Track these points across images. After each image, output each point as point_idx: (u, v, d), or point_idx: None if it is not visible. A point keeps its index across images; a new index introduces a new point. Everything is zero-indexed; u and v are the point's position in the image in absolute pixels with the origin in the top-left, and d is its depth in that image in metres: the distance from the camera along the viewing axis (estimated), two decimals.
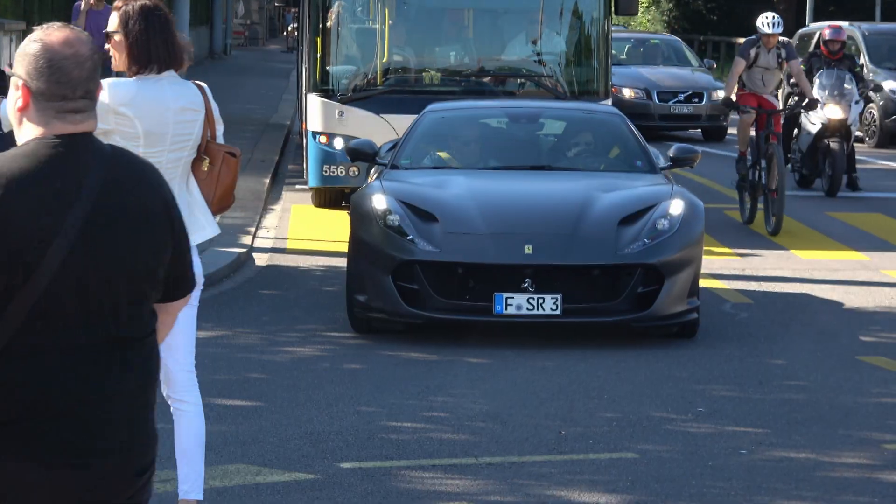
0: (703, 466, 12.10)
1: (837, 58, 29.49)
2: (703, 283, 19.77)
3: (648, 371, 15.18)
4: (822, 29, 31.65)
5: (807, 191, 29.26)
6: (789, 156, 29.68)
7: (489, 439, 12.44)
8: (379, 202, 14.38)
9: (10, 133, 16.72)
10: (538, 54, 20.63)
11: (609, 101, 21.09)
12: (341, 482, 11.21)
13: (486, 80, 20.81)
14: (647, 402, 14.08)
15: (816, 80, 28.62)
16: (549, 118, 17.49)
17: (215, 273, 19.34)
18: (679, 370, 15.35)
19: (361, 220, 14.48)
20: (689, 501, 11.18)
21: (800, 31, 42.04)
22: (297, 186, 25.62)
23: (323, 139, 21.09)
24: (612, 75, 22.40)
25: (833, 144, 28.56)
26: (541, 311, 13.92)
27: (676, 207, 14.58)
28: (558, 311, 14.00)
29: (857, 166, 30.97)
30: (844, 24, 39.41)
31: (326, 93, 21.03)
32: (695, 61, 39.97)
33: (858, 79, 30.23)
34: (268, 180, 27.62)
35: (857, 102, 29.10)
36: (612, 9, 20.43)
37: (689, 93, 36.33)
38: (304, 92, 23.21)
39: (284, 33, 79.04)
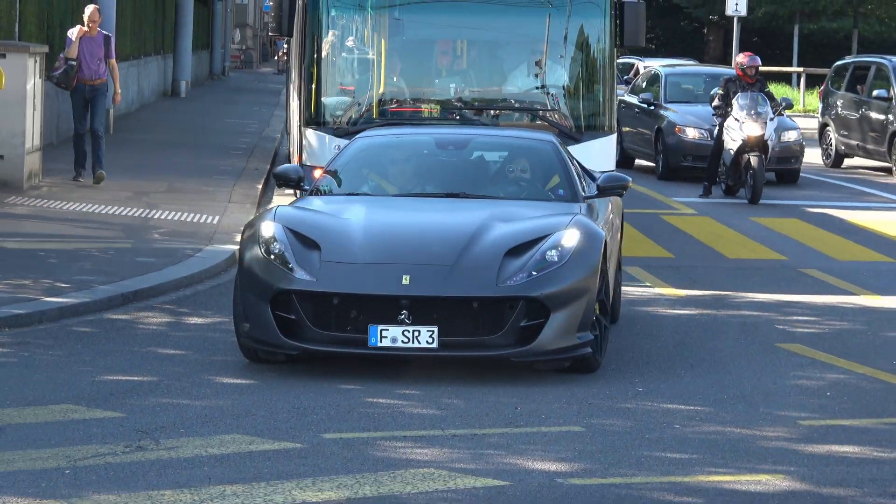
0: (640, 439, 12.14)
1: (752, 82, 29.75)
2: (642, 280, 19.87)
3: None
4: (739, 56, 31.63)
5: (732, 199, 29.39)
6: (718, 170, 29.95)
7: (454, 414, 12.47)
8: (266, 229, 13.54)
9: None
10: (538, 87, 19.63)
11: (614, 137, 20.14)
12: (324, 451, 11.21)
13: (485, 112, 19.59)
14: (592, 383, 14.10)
15: (735, 102, 29.03)
16: (479, 145, 16.33)
17: (214, 267, 19.30)
18: (619, 357, 15.41)
19: (247, 246, 13.65)
20: (629, 468, 11.21)
21: (836, 64, 41.54)
22: (287, 191, 25.54)
23: (318, 173, 19.54)
24: (616, 109, 20.91)
25: (753, 158, 28.88)
26: (416, 345, 12.91)
27: (570, 239, 13.43)
28: (434, 345, 12.94)
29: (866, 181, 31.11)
30: (875, 57, 39.74)
31: (322, 126, 19.71)
32: (781, 103, 37.80)
33: (771, 99, 30.51)
34: (260, 185, 27.55)
35: (770, 120, 29.37)
36: (618, 39, 19.28)
37: (773, 130, 33.98)
38: (295, 125, 22.48)
39: (276, 57, 78.92)
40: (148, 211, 23.06)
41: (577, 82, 19.13)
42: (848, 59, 42.62)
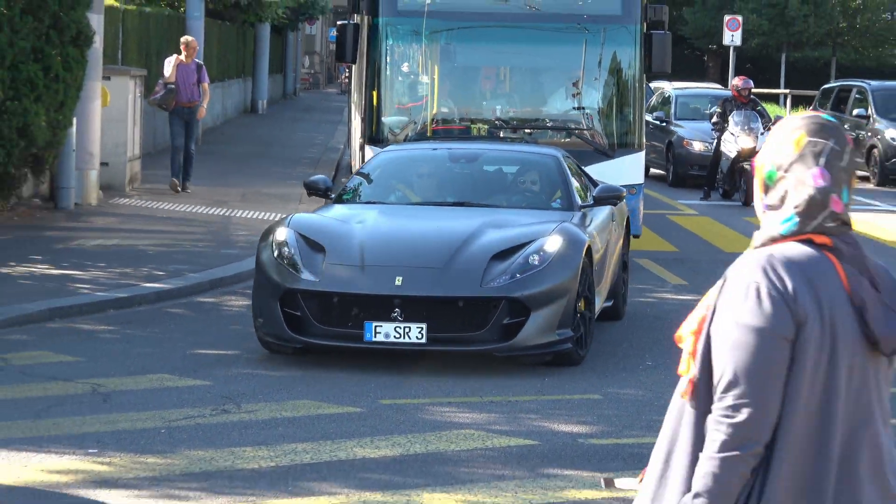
0: (650, 405, 12.15)
1: (745, 101, 29.78)
2: (652, 270, 19.87)
3: (610, 336, 15.30)
4: (735, 78, 31.57)
5: (728, 202, 29.38)
6: (717, 177, 30.02)
7: (491, 384, 12.50)
8: (280, 234, 13.14)
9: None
10: (574, 108, 19.01)
11: (642, 154, 19.56)
12: (381, 414, 11.29)
13: (527, 132, 18.81)
14: (609, 358, 14.15)
15: (731, 119, 29.12)
16: (488, 160, 15.80)
17: None
18: (632, 335, 15.45)
19: (263, 249, 13.22)
20: (640, 430, 11.23)
21: (823, 87, 41.42)
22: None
23: None
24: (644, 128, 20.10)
25: (746, 166, 28.84)
26: (407, 340, 12.40)
27: (552, 244, 12.84)
28: (423, 340, 12.40)
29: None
30: (856, 81, 39.70)
31: (381, 143, 18.61)
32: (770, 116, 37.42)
33: (762, 116, 30.55)
34: None
35: (762, 134, 29.42)
36: (647, 66, 18.74)
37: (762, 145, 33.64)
38: (357, 141, 21.68)
39: (339, 80, 78.80)
40: (229, 211, 23.11)
41: (610, 104, 18.67)
42: (833, 83, 42.46)
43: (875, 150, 35.73)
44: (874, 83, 39.34)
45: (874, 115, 36.26)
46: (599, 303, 14.46)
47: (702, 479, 3.97)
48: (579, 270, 12.84)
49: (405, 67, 18.43)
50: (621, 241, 15.75)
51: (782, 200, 4.19)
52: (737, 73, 32.48)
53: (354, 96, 21.34)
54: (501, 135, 18.38)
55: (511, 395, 12.29)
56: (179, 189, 24.65)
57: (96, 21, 22.79)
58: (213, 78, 38.14)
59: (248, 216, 23.15)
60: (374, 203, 14.53)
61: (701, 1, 68.55)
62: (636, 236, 19.24)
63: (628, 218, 16.43)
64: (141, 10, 34.81)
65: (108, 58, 25.87)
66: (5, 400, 11.57)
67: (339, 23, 19.56)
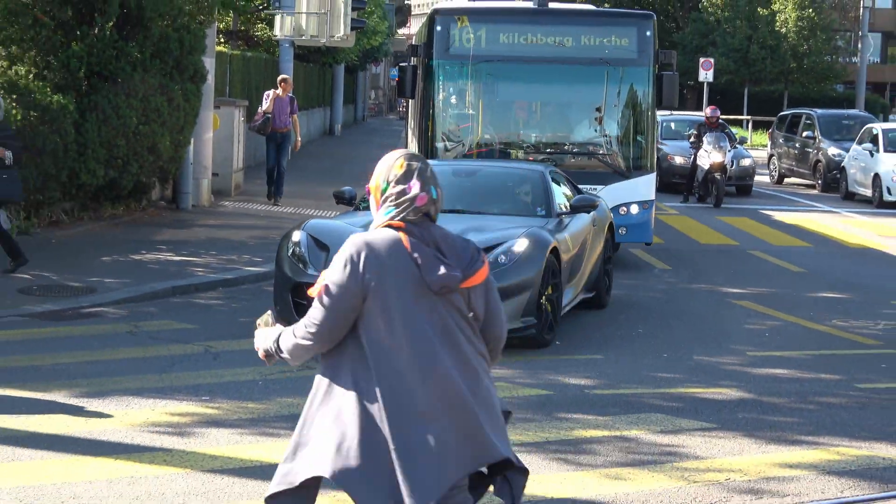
0: (641, 363, 12.11)
1: (715, 126, 29.70)
2: (643, 258, 19.79)
3: (610, 308, 15.28)
4: (706, 108, 31.49)
5: (702, 204, 29.18)
6: (694, 185, 29.93)
7: (516, 346, 12.43)
8: (295, 236, 12.62)
9: None
10: (597, 136, 18.42)
11: (654, 175, 18.72)
12: None
13: (556, 154, 18.20)
14: (608, 327, 14.11)
15: (705, 139, 29.05)
16: (484, 174, 15.04)
17: None
18: (628, 310, 15.35)
19: (281, 248, 12.70)
20: (634, 383, 11.18)
21: (780, 114, 41.27)
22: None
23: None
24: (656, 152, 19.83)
25: (717, 176, 28.83)
26: None
27: (519, 245, 12.16)
28: None
29: (795, 196, 30.86)
30: (805, 109, 39.51)
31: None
32: (736, 137, 36.76)
33: (730, 137, 30.56)
34: None
35: (729, 151, 29.50)
36: (657, 101, 18.17)
37: (731, 158, 32.88)
38: None
39: (398, 109, 78.85)
40: (311, 211, 22.98)
41: (626, 133, 18.14)
42: (787, 111, 42.20)
43: (820, 164, 35.58)
44: (819, 111, 39.19)
45: (819, 136, 36.10)
46: (573, 294, 13.80)
47: (285, 344, 5.45)
48: (543, 268, 12.23)
49: (453, 100, 18.08)
50: (602, 244, 15.03)
51: (386, 201, 5.39)
52: (709, 104, 32.34)
53: (411, 123, 21.19)
54: (532, 158, 17.86)
55: (531, 356, 12.25)
56: (273, 201, 24.62)
57: (209, 63, 22.86)
58: (300, 107, 38.16)
59: (325, 216, 23.15)
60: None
61: (682, 46, 68.07)
62: (648, 244, 19.01)
63: (611, 223, 15.73)
64: (243, 54, 34.89)
65: (218, 91, 25.92)
66: (137, 359, 11.62)
67: (400, 64, 19.50)
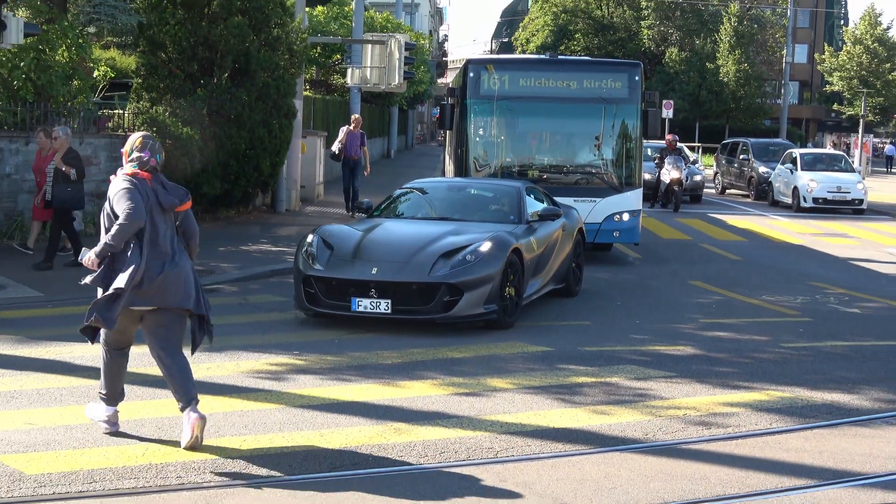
0: (617, 328, 12.06)
1: (674, 150, 29.57)
2: (620, 248, 19.67)
3: (595, 288, 15.15)
4: (668, 135, 31.31)
5: (665, 210, 29.08)
6: (658, 195, 29.79)
7: (525, 316, 12.40)
8: (309, 238, 11.94)
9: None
10: (597, 158, 17.82)
11: (640, 190, 17.91)
12: (456, 331, 11.23)
13: (563, 174, 17.81)
14: (593, 301, 14.03)
15: (666, 160, 28.99)
16: (472, 188, 14.15)
17: None
18: (609, 288, 15.28)
19: (298, 248, 11.98)
20: (614, 343, 11.11)
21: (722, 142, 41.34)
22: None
23: None
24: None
25: (676, 188, 28.73)
26: (377, 311, 11.03)
27: (484, 247, 11.32)
28: (389, 311, 11.02)
29: (734, 203, 30.74)
30: (741, 138, 39.46)
31: None
32: (690, 158, 35.82)
33: (685, 159, 30.63)
34: None
35: (685, 169, 29.54)
36: (644, 132, 17.64)
37: (686, 174, 31.30)
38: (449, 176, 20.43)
39: (438, 139, 78.87)
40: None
41: (619, 157, 17.66)
42: (728, 140, 42.04)
43: (753, 179, 35.63)
44: (752, 140, 39.15)
45: (752, 158, 36.07)
46: (540, 285, 12.90)
47: (114, 236, 7.00)
48: (504, 265, 11.37)
49: (481, 131, 17.77)
50: (571, 245, 13.99)
51: (132, 160, 7.23)
52: (669, 133, 32.24)
53: (448, 149, 21.05)
54: (545, 177, 17.48)
55: (538, 323, 12.22)
56: (351, 214, 24.60)
57: (298, 104, 22.88)
58: (367, 134, 38.25)
59: (344, 221, 23.18)
60: (388, 217, 13.25)
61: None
62: (636, 244, 18.50)
63: (581, 228, 14.70)
64: (323, 97, 34.93)
65: (305, 125, 25.93)
66: (245, 323, 11.65)
67: (440, 104, 19.38)
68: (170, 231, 7.22)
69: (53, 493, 6.27)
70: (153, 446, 7.17)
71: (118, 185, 7.06)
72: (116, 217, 7.00)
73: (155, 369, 7.73)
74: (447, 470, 6.91)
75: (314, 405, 8.34)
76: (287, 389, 8.82)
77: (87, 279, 7.14)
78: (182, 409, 7.14)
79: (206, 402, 8.26)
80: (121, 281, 6.97)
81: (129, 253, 7.03)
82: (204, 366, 9.48)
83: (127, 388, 7.71)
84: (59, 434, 7.40)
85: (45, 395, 8.40)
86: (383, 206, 13.66)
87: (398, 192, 14.09)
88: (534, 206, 13.39)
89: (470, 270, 11.09)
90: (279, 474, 6.72)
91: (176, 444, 7.19)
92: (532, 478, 6.79)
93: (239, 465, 6.85)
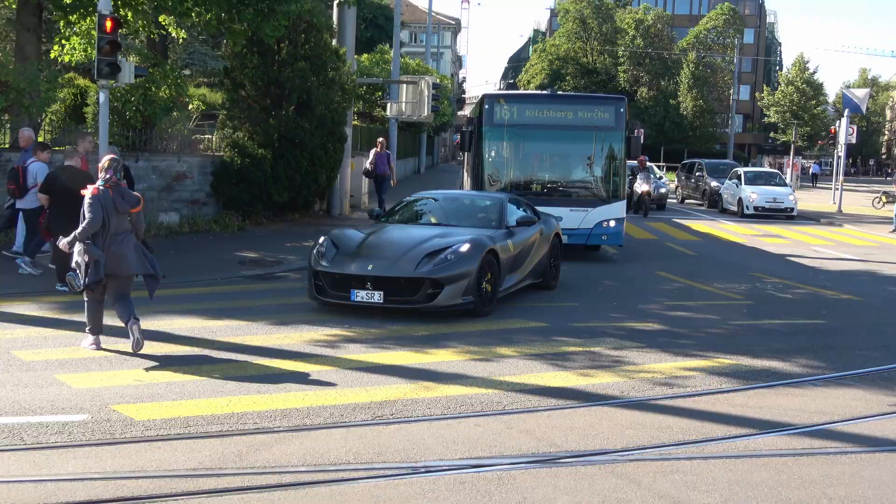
0: (598, 309, 11.97)
1: (644, 168, 29.45)
2: (603, 248, 19.57)
3: (582, 275, 15.05)
4: (640, 156, 31.30)
5: (637, 215, 28.91)
6: (631, 203, 29.66)
7: (525, 300, 12.32)
8: (321, 240, 11.48)
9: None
10: (590, 176, 17.34)
11: (624, 201, 17.40)
12: (474, 311, 11.23)
13: (561, 187, 17.30)
14: (580, 287, 13.93)
15: (638, 176, 29.01)
16: (464, 198, 13.43)
17: None
18: (595, 276, 15.18)
19: (312, 248, 11.47)
20: (597, 320, 11.04)
21: (683, 162, 41.38)
22: None
23: None
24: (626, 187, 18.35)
25: (646, 198, 28.61)
26: (372, 300, 10.46)
27: (464, 248, 10.73)
28: (382, 301, 10.46)
29: (692, 211, 30.59)
30: (697, 159, 39.24)
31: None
32: (657, 174, 35.69)
33: (653, 175, 30.88)
34: None
35: (653, 183, 29.54)
36: (627, 153, 17.28)
37: (654, 187, 31.47)
38: (466, 189, 19.86)
39: (458, 158, 78.64)
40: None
41: (607, 174, 17.18)
42: (686, 161, 41.99)
43: (706, 191, 35.52)
44: (705, 160, 39.10)
45: (706, 175, 36.02)
46: (517, 279, 12.13)
47: (81, 232, 8.35)
48: (479, 264, 10.74)
49: (494, 152, 17.42)
50: (548, 247, 13.23)
51: (101, 176, 8.59)
52: (640, 154, 32.22)
53: (466, 167, 20.93)
54: (546, 190, 17.16)
55: (536, 303, 12.14)
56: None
57: (348, 131, 22.85)
58: (399, 156, 38.18)
59: (353, 226, 23.16)
60: (392, 222, 12.56)
61: None
62: (620, 246, 17.93)
63: (559, 233, 13.87)
64: (368, 126, 34.91)
65: (353, 148, 25.94)
66: (306, 303, 11.56)
67: (460, 130, 19.24)
68: (123, 224, 8.57)
69: (156, 435, 6.30)
70: (234, 399, 7.19)
71: (88, 197, 8.44)
72: (85, 218, 8.41)
73: (244, 340, 7.73)
74: (465, 419, 6.90)
75: (361, 368, 8.32)
76: (340, 355, 8.79)
77: (61, 243, 8.69)
78: (125, 323, 8.53)
79: (277, 365, 8.29)
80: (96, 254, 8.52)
81: (95, 237, 8.54)
82: (275, 336, 9.49)
83: (219, 353, 7.72)
84: (161, 389, 7.43)
85: (149, 359, 8.45)
86: (389, 213, 13.12)
87: (404, 201, 13.56)
88: (515, 214, 12.83)
89: (450, 268, 10.54)
90: (333, 421, 6.74)
91: (252, 399, 7.21)
92: (532, 426, 6.77)
93: (301, 416, 6.86)
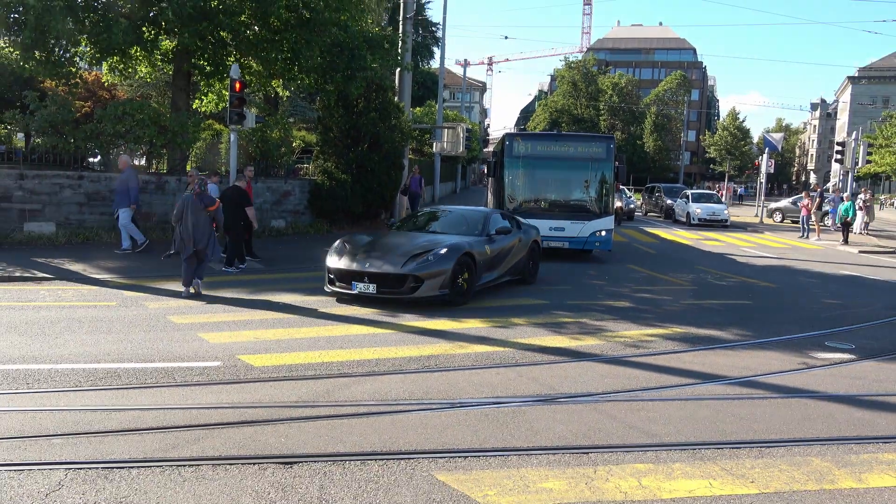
0: (587, 291, 11.78)
1: (618, 189, 28.49)
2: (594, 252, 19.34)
3: (576, 268, 14.81)
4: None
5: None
6: None
7: (523, 288, 12.15)
8: (337, 243, 10.47)
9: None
10: (586, 196, 16.54)
11: (613, 216, 16.15)
12: (485, 296, 11.02)
13: (565, 205, 16.52)
14: (573, 275, 13.73)
15: (617, 195, 28.22)
16: (457, 211, 11.98)
17: None
18: (585, 268, 14.95)
19: (331, 248, 10.52)
20: (587, 300, 10.85)
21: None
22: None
23: None
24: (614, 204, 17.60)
25: (619, 212, 28.07)
26: (368, 292, 9.47)
27: (442, 251, 9.73)
28: (374, 292, 9.46)
29: (653, 221, 30.12)
30: (657, 183, 38.60)
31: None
32: (628, 195, 33.69)
33: (625, 194, 30.07)
34: None
35: (624, 200, 28.80)
36: (616, 178, 16.58)
37: (625, 203, 30.11)
38: (490, 206, 19.00)
39: (485, 182, 77.79)
40: None
41: (600, 195, 16.54)
42: (650, 185, 41.39)
43: (663, 206, 34.75)
44: (663, 184, 38.51)
45: (663, 195, 35.31)
46: (496, 276, 10.99)
47: (173, 220, 9.69)
48: (454, 264, 9.69)
49: (512, 177, 16.88)
50: (527, 251, 12.05)
51: (191, 187, 9.86)
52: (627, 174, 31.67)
53: (491, 189, 20.52)
54: (552, 206, 16.47)
55: (540, 288, 11.94)
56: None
57: (405, 162, 22.71)
58: (442, 180, 37.91)
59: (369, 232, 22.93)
60: (400, 229, 11.54)
61: None
62: (609, 251, 17.07)
63: (536, 240, 12.55)
64: (419, 159, 34.65)
65: (408, 174, 25.86)
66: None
67: (486, 161, 18.93)
68: (202, 218, 9.64)
69: (269, 377, 6.34)
70: (324, 352, 7.22)
71: (180, 200, 9.59)
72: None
73: (330, 310, 7.67)
74: (489, 369, 6.84)
75: (413, 331, 8.27)
76: (398, 322, 8.73)
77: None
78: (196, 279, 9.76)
79: (349, 329, 8.27)
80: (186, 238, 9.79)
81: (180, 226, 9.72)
82: (351, 308, 9.44)
83: (311, 319, 7.67)
84: (272, 344, 7.48)
85: (264, 322, 8.49)
86: (401, 222, 12.01)
87: (417, 213, 12.42)
88: (499, 224, 11.62)
89: (429, 267, 9.55)
90: (394, 369, 6.72)
91: (336, 353, 7.23)
92: (536, 375, 6.71)
93: (371, 365, 6.85)
